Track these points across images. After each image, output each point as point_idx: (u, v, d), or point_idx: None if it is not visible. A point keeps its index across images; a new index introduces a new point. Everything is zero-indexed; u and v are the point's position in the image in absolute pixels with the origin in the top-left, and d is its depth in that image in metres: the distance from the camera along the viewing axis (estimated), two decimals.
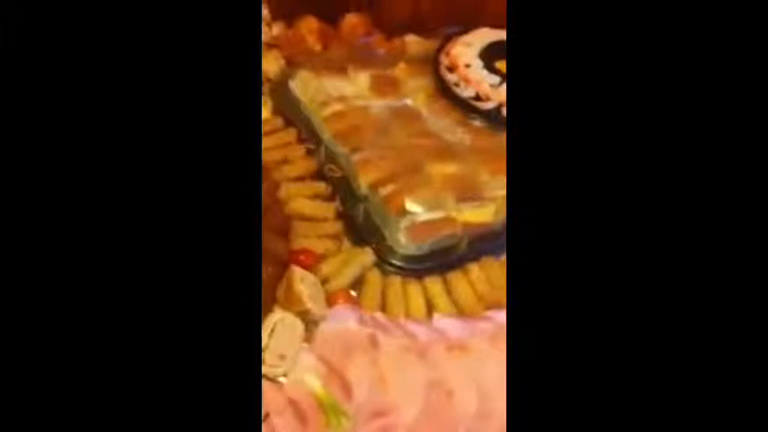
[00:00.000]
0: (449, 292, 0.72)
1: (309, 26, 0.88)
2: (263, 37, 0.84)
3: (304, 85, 0.82)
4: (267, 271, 0.67)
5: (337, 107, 0.81)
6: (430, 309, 0.71)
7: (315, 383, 0.65)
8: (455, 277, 0.73)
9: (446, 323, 0.70)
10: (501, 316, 0.71)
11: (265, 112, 0.81)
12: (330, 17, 0.89)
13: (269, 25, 0.86)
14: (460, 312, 0.71)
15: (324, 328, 0.67)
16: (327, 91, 0.82)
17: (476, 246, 0.75)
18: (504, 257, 0.74)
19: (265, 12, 0.86)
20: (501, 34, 0.85)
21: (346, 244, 0.74)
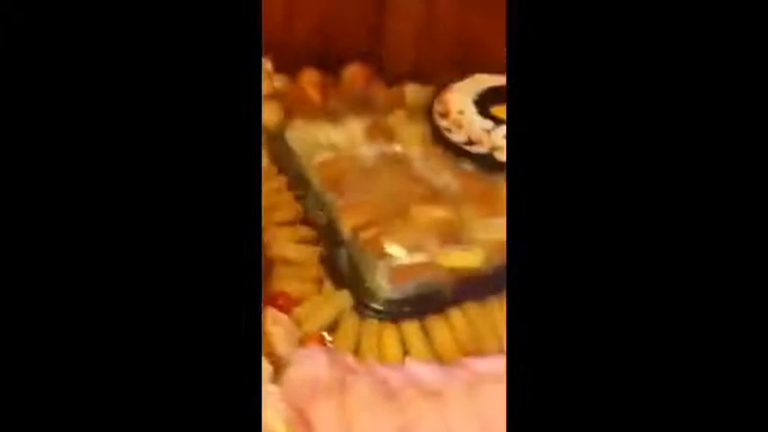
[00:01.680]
0: (426, 336, 0.70)
1: (310, 78, 0.89)
2: (265, 89, 0.85)
3: (298, 135, 0.83)
4: None
5: (328, 155, 0.81)
6: (405, 353, 0.69)
7: (280, 427, 0.64)
8: (434, 322, 0.71)
9: (419, 368, 0.68)
10: (478, 363, 0.68)
11: (264, 162, 0.82)
12: (331, 68, 0.91)
13: (270, 78, 0.88)
14: (436, 358, 0.69)
15: (292, 371, 0.67)
16: (320, 140, 0.83)
17: (460, 291, 0.73)
18: (488, 302, 0.72)
19: (268, 65, 0.89)
20: (497, 80, 0.85)
21: (326, 287, 0.74)
